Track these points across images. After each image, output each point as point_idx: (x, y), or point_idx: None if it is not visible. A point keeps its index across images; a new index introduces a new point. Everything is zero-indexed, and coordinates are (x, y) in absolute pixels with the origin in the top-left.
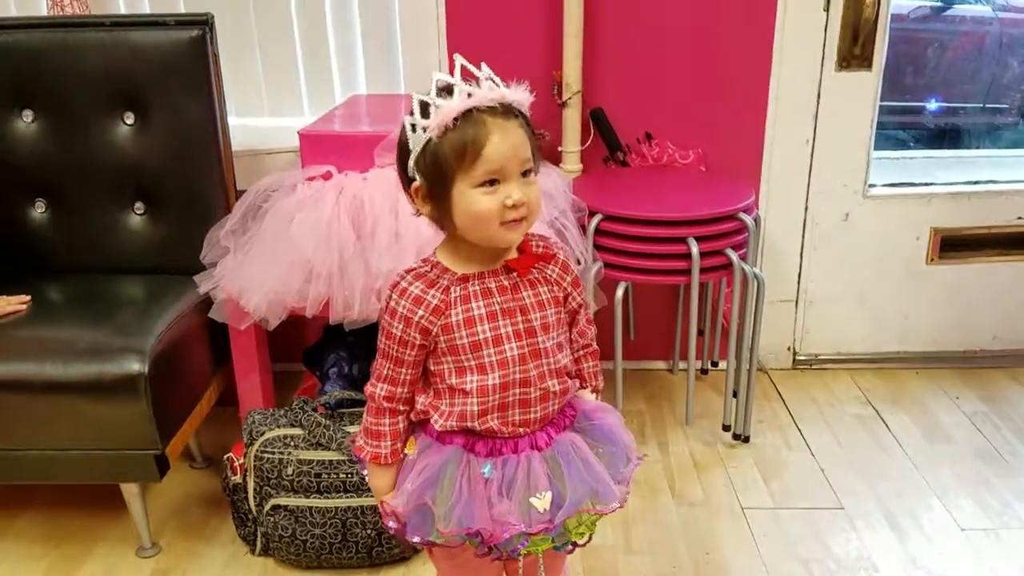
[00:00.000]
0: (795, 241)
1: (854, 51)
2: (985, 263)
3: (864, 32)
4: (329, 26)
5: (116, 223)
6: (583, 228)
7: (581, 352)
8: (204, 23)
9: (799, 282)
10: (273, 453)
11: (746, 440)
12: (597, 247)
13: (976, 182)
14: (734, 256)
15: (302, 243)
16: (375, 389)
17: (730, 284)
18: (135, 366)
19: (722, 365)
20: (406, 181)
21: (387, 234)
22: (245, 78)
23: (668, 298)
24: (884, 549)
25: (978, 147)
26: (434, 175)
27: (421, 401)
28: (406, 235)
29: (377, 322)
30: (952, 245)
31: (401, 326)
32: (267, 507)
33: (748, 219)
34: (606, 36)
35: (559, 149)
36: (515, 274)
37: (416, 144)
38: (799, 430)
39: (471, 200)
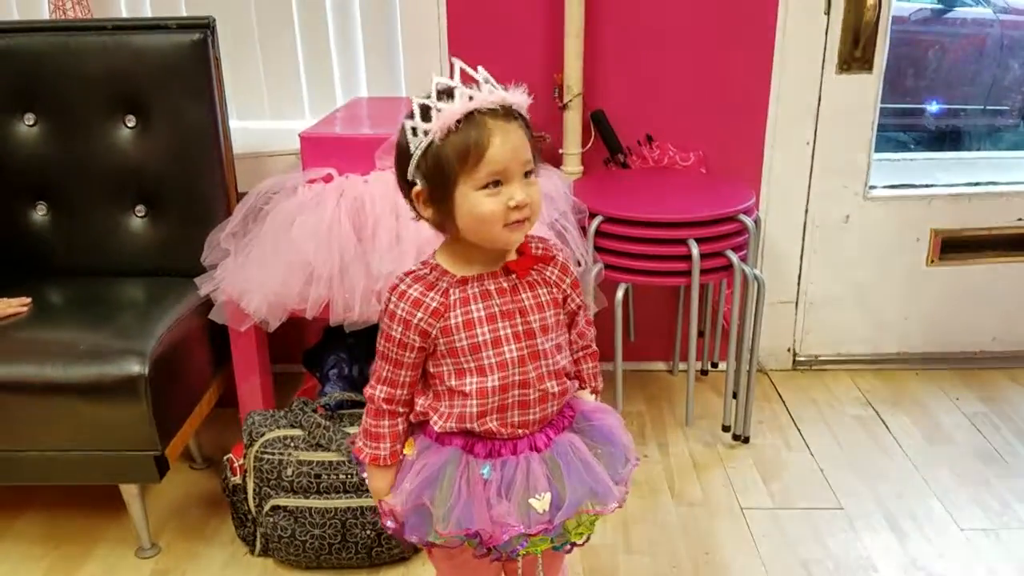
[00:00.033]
0: (795, 242)
1: (855, 53)
2: (985, 264)
3: (865, 34)
4: (330, 29)
5: (117, 225)
6: (584, 230)
7: (580, 353)
8: (205, 26)
9: (799, 283)
10: (273, 454)
11: (746, 441)
12: (598, 249)
13: (976, 184)
14: (734, 257)
15: (303, 245)
16: (374, 391)
17: (730, 285)
18: (135, 368)
19: (722, 366)
20: (406, 186)
21: (388, 236)
22: (246, 81)
23: (668, 299)
24: (884, 550)
25: (979, 149)
26: (436, 178)
27: (420, 403)
28: (407, 237)
29: (377, 324)
30: (952, 246)
31: (400, 328)
32: (267, 508)
33: (748, 221)
34: (607, 38)
35: (560, 151)
36: (514, 276)
37: (417, 148)
38: (799, 431)
39: (474, 202)
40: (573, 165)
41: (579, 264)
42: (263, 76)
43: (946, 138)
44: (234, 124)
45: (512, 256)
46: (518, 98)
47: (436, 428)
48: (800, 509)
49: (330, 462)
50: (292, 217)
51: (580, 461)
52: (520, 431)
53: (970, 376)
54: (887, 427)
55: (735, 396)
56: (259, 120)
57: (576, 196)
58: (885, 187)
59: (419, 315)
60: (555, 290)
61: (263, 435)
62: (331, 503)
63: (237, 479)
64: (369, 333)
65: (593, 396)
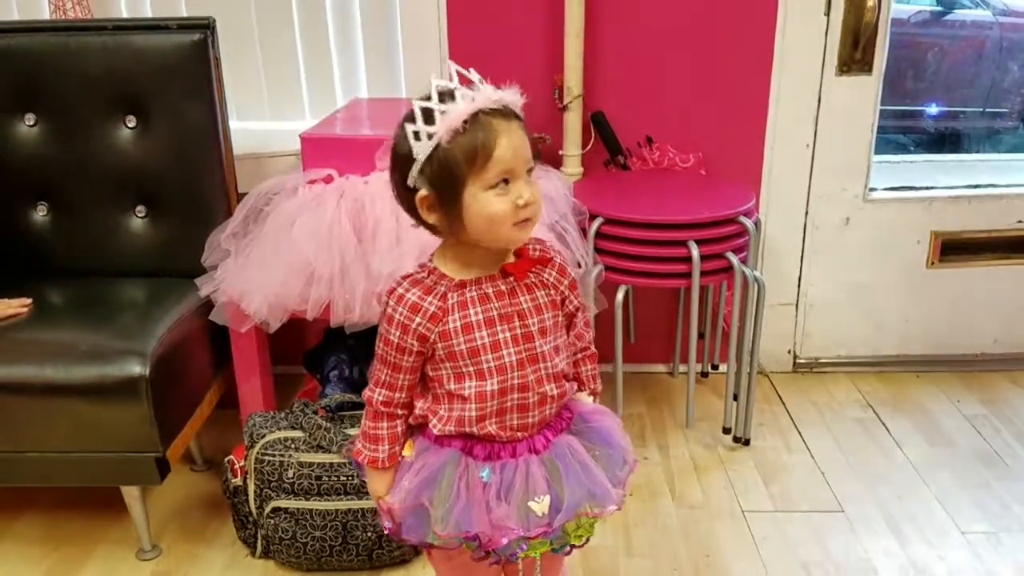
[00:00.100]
0: (795, 244)
1: (855, 55)
2: (985, 266)
3: (864, 36)
4: (330, 29)
5: (117, 226)
6: (584, 231)
7: (579, 355)
8: (206, 27)
9: (799, 285)
10: (274, 455)
11: (746, 443)
12: (598, 250)
13: (976, 186)
14: (734, 259)
15: (303, 246)
16: (373, 394)
17: (730, 287)
18: (136, 369)
19: (722, 368)
20: (406, 193)
21: (388, 237)
22: (246, 81)
23: (668, 301)
24: (884, 552)
25: (978, 151)
26: (444, 181)
27: (419, 406)
28: (407, 238)
29: (378, 325)
30: (952, 249)
31: (398, 333)
32: (267, 509)
33: (748, 222)
34: (607, 40)
35: (560, 153)
36: (512, 279)
37: (421, 152)
38: (799, 433)
39: (484, 203)
40: (573, 167)
41: (579, 266)
42: (263, 77)
43: (946, 140)
44: (234, 125)
45: (510, 258)
46: (514, 97)
47: (435, 431)
48: (801, 512)
49: (331, 464)
50: (292, 218)
51: (579, 463)
52: (519, 434)
53: (971, 378)
54: (887, 429)
55: (735, 398)
56: (259, 121)
57: (576, 198)
58: (885, 189)
59: (417, 319)
60: (553, 292)
61: (264, 437)
62: (332, 505)
63: (238, 481)
64: (370, 334)
65: (592, 398)
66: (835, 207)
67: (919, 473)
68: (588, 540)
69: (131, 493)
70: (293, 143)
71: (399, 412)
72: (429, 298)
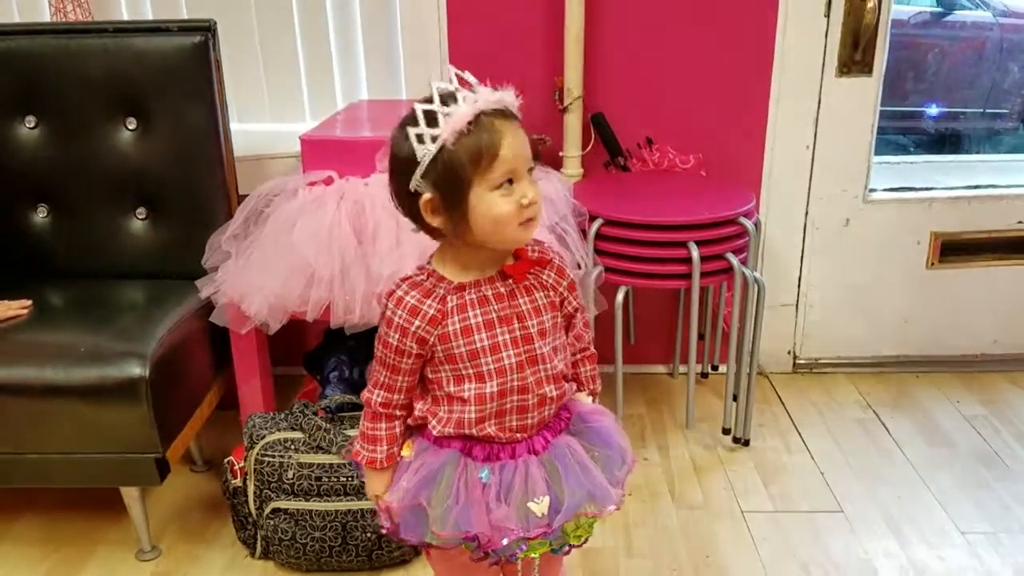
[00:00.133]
0: (795, 245)
1: (855, 57)
2: (985, 267)
3: (864, 38)
4: (331, 32)
5: (118, 228)
6: (584, 233)
7: (579, 356)
8: (206, 29)
9: (799, 286)
10: (273, 456)
11: (746, 444)
12: (598, 251)
13: (976, 187)
14: (735, 260)
15: (303, 248)
16: (371, 396)
17: (730, 288)
18: (136, 370)
19: (722, 369)
20: (407, 197)
21: (388, 239)
22: (247, 83)
23: (668, 302)
24: (884, 553)
25: (978, 152)
26: (449, 183)
27: (419, 407)
28: (407, 240)
29: (378, 326)
30: (952, 249)
31: (397, 335)
32: (267, 510)
33: (749, 223)
34: (607, 41)
35: (560, 154)
36: (511, 281)
37: (425, 155)
38: (799, 434)
39: (490, 204)
40: (573, 168)
41: (579, 267)
42: (264, 79)
43: (946, 141)
44: (235, 126)
45: (509, 260)
46: (512, 98)
47: (435, 432)
48: (800, 512)
49: (331, 465)
50: (293, 219)
51: (578, 464)
52: (518, 435)
53: (970, 379)
54: (887, 430)
55: (735, 399)
56: (260, 123)
57: (576, 199)
58: (885, 190)
59: (416, 322)
60: (552, 293)
61: (264, 437)
62: (332, 506)
63: (238, 482)
64: (370, 335)
65: (591, 399)
66: (835, 208)
67: (919, 473)
68: (587, 540)
69: (131, 494)
70: (293, 145)
71: (398, 413)
72: (428, 301)
